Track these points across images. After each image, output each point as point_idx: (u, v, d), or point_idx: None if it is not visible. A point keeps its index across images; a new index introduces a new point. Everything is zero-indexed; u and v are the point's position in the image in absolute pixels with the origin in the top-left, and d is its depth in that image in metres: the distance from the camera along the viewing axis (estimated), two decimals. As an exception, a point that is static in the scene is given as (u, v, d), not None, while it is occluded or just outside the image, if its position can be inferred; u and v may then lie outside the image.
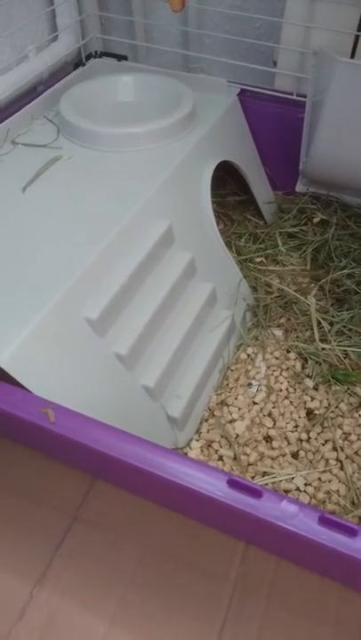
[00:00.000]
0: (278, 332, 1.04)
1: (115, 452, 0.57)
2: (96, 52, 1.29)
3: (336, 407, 0.91)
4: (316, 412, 0.91)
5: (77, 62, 1.26)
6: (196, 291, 0.94)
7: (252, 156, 1.22)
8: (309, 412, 0.92)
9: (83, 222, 0.84)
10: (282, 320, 1.06)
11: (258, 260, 1.16)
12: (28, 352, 0.66)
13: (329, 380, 0.94)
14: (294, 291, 1.12)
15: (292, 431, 0.89)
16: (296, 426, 0.90)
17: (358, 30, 1.06)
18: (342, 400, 0.92)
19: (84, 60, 1.25)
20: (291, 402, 0.93)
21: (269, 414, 0.91)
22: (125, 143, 0.99)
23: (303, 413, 0.91)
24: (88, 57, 1.27)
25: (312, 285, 1.13)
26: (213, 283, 0.96)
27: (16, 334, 0.66)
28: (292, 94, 1.17)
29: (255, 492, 0.53)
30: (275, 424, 0.90)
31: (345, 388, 0.94)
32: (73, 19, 1.21)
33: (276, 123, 1.21)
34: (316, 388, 0.94)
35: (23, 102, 1.10)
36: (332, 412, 0.91)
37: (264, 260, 1.17)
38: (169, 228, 0.89)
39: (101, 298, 0.76)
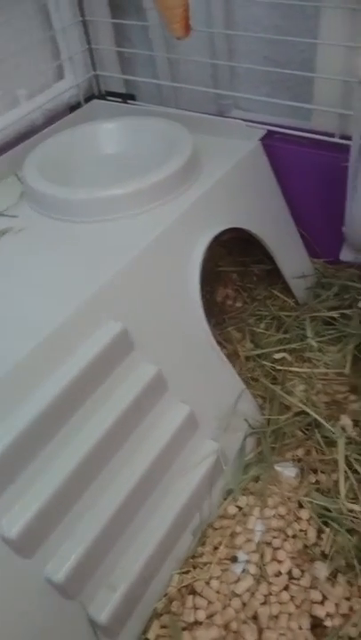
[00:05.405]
0: (291, 472, 0.73)
1: None
2: (100, 91, 1.08)
3: (361, 618, 0.60)
4: (328, 622, 0.60)
5: (74, 105, 1.06)
6: (163, 418, 0.67)
7: (278, 218, 0.93)
8: (317, 624, 0.60)
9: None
10: (299, 451, 0.76)
11: (278, 356, 0.87)
12: None
13: (354, 568, 0.62)
14: (325, 403, 0.81)
15: (285, 652, 0.58)
16: (293, 644, 0.59)
17: None
18: (373, 606, 0.60)
19: (81, 102, 1.05)
20: (292, 598, 0.62)
21: (254, 617, 0.61)
22: (91, 211, 0.75)
23: (307, 623, 0.60)
24: (89, 98, 1.07)
25: (352, 398, 0.81)
26: (194, 402, 0.69)
27: None
28: (333, 136, 0.88)
29: None
30: (260, 636, 0.59)
31: (379, 583, 0.62)
32: (74, 52, 1.02)
33: (315, 173, 0.92)
34: (332, 579, 0.63)
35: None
36: (354, 625, 0.59)
37: (287, 357, 0.87)
38: (122, 333, 0.64)
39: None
